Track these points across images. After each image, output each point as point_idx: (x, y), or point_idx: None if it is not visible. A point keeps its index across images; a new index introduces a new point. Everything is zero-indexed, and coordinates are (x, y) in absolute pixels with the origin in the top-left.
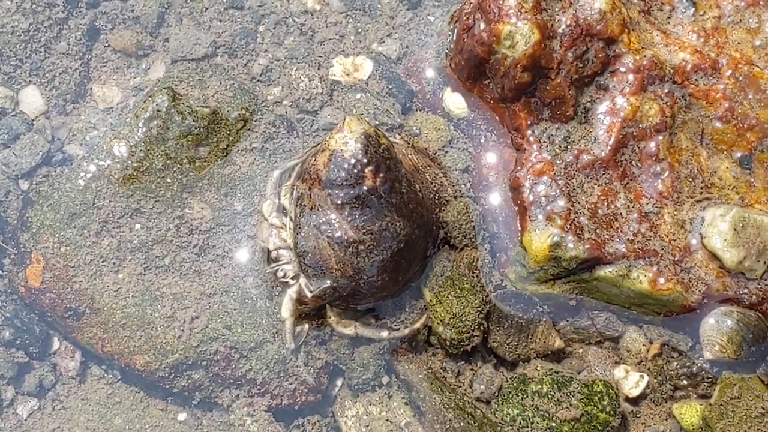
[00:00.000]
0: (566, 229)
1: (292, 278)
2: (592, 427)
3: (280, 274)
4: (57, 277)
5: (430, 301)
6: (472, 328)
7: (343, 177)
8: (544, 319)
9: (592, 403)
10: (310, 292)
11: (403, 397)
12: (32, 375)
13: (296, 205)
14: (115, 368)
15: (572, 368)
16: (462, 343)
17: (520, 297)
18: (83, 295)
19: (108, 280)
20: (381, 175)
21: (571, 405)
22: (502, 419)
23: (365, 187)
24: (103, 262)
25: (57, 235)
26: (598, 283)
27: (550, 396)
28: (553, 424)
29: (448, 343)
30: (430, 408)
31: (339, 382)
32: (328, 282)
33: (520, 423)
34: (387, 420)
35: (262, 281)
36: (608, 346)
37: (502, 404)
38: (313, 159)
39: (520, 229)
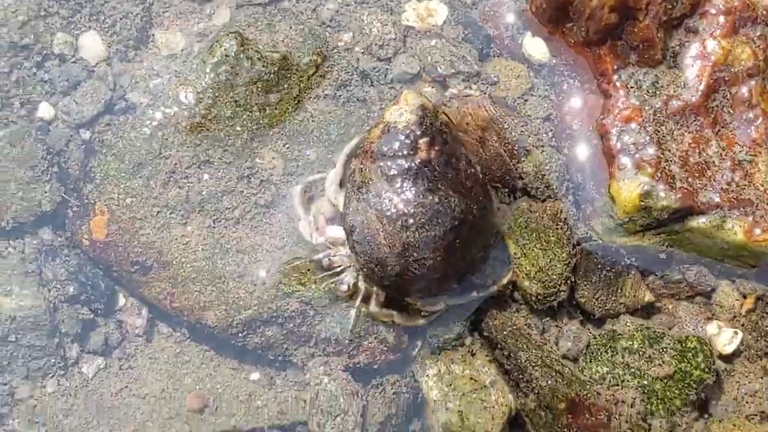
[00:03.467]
0: (657, 178)
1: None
2: (686, 385)
3: (343, 288)
4: (123, 229)
5: (515, 253)
6: (559, 282)
7: (395, 148)
8: (633, 273)
9: (685, 360)
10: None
11: (487, 355)
12: (97, 333)
13: (348, 184)
14: (183, 326)
15: (663, 324)
16: (548, 298)
17: (608, 250)
18: (150, 248)
19: (176, 232)
20: (436, 147)
21: (663, 362)
22: (590, 377)
23: (419, 159)
24: (170, 214)
25: (122, 186)
26: (690, 235)
27: (641, 353)
28: (645, 382)
29: (533, 297)
30: (516, 366)
31: (419, 342)
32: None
33: (610, 381)
34: (471, 378)
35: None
36: (700, 301)
37: (591, 362)
38: (368, 134)
39: (607, 178)
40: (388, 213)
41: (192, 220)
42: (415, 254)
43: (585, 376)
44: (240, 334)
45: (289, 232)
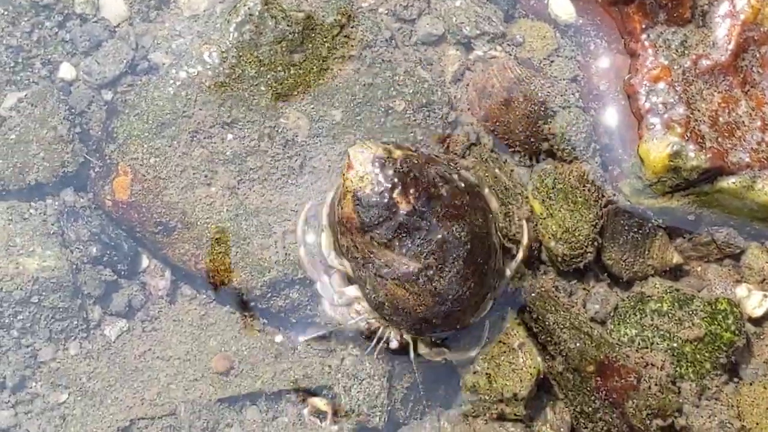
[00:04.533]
0: (686, 138)
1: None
2: (716, 348)
3: (394, 345)
4: (146, 189)
5: (540, 213)
6: (586, 244)
7: (376, 215)
8: (661, 235)
9: (715, 323)
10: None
11: (515, 318)
12: (120, 294)
13: (349, 261)
14: (207, 287)
15: (691, 287)
16: (575, 260)
17: (635, 211)
18: (174, 209)
19: (200, 193)
20: (411, 191)
21: (693, 324)
22: (619, 340)
23: (403, 212)
24: (194, 174)
25: (145, 146)
26: (720, 196)
27: (670, 315)
28: (675, 345)
29: (559, 259)
30: (544, 329)
31: None
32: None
33: (638, 344)
34: (499, 341)
35: None
36: (729, 263)
37: (619, 324)
38: (340, 207)
39: (635, 139)
40: (406, 276)
41: (216, 181)
42: (451, 295)
43: (613, 338)
44: (264, 296)
45: (315, 193)
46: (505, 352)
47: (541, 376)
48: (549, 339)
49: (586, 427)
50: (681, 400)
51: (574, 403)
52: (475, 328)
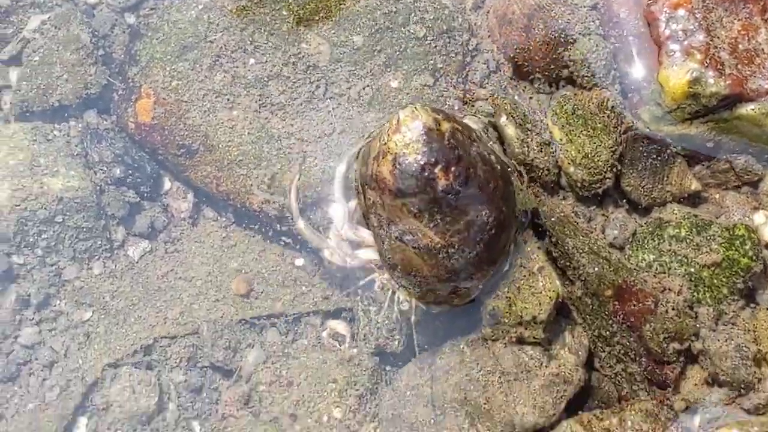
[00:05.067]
0: (706, 64)
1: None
2: (733, 273)
3: (405, 307)
4: (168, 112)
5: (560, 139)
6: (605, 170)
7: (413, 185)
8: (679, 161)
9: (733, 248)
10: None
11: (534, 242)
12: (143, 216)
13: (372, 214)
14: (229, 210)
15: (709, 213)
16: (594, 185)
17: (654, 138)
18: (196, 131)
19: (222, 116)
20: (452, 169)
21: (711, 250)
22: (637, 265)
23: (440, 188)
24: (216, 97)
25: (168, 69)
26: (739, 123)
27: (688, 240)
28: (692, 270)
29: (579, 184)
30: (563, 253)
31: None
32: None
33: (656, 269)
34: (519, 266)
35: (385, 117)
36: (747, 191)
37: (637, 250)
38: (376, 164)
39: (655, 66)
40: (427, 249)
41: (238, 105)
42: (463, 275)
43: (631, 264)
44: (284, 219)
45: (337, 119)
46: (524, 276)
47: (560, 300)
48: (568, 264)
49: (603, 351)
50: (698, 325)
51: (592, 327)
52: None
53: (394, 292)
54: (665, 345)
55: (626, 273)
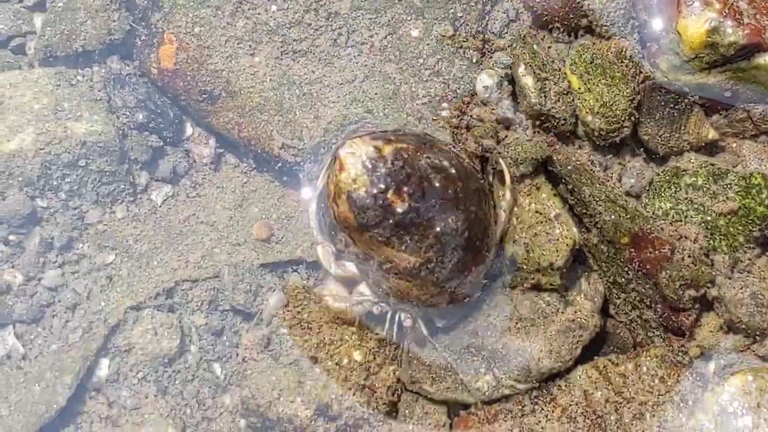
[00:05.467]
0: (724, 14)
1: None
2: (749, 221)
3: (408, 323)
4: (191, 58)
5: (578, 88)
6: (623, 118)
7: (372, 216)
8: (697, 110)
9: (750, 196)
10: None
11: (551, 189)
12: (166, 161)
13: (350, 254)
14: (250, 156)
15: (726, 162)
16: (611, 134)
17: (672, 87)
18: (218, 77)
19: (244, 62)
20: (404, 189)
21: (727, 198)
22: (653, 213)
23: (399, 210)
24: (238, 44)
25: (190, 15)
26: (756, 72)
27: (705, 189)
28: (709, 218)
29: (596, 133)
30: (579, 201)
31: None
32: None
33: (673, 217)
34: (536, 212)
35: (405, 66)
36: (764, 140)
37: (654, 198)
38: (336, 205)
39: (673, 15)
40: (407, 271)
41: (260, 51)
42: (454, 281)
43: (648, 212)
44: (305, 164)
45: (359, 66)
46: (541, 222)
47: (577, 247)
48: (584, 211)
49: (619, 298)
50: (714, 272)
51: (607, 275)
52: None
53: (395, 313)
54: (681, 292)
55: (642, 221)
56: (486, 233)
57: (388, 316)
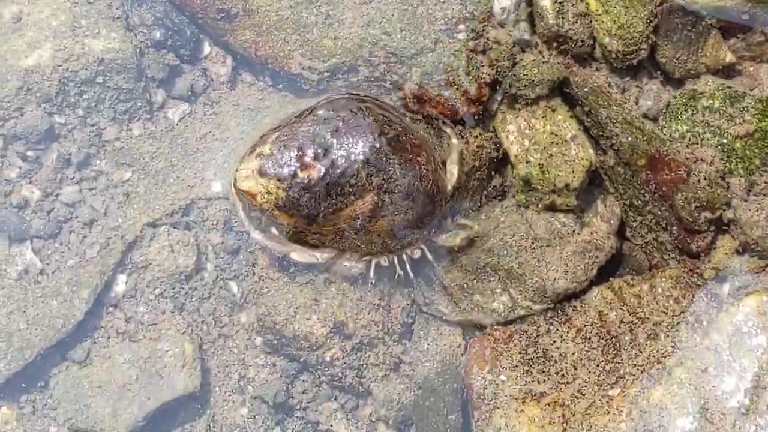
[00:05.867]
0: None
1: None
2: (765, 144)
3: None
4: None
5: (596, 10)
6: (640, 41)
7: (307, 199)
8: (714, 33)
9: (766, 119)
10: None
11: (568, 111)
12: (183, 79)
13: (330, 245)
14: (267, 74)
15: (743, 86)
16: (628, 56)
17: (690, 10)
18: None
19: None
20: (306, 159)
21: (744, 121)
22: (670, 136)
23: (319, 176)
24: None
25: None
26: None
27: (721, 111)
28: (725, 141)
29: (613, 55)
30: (596, 123)
31: (499, 97)
32: None
33: (689, 139)
34: (552, 133)
35: None
36: None
37: (671, 120)
38: (283, 223)
39: None
40: (373, 210)
41: None
42: (414, 182)
43: (665, 134)
44: (322, 82)
45: None
46: (557, 143)
47: (593, 168)
48: (601, 133)
49: (635, 221)
50: (729, 195)
51: (624, 197)
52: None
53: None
54: (696, 214)
55: (659, 143)
56: (406, 131)
57: (395, 260)
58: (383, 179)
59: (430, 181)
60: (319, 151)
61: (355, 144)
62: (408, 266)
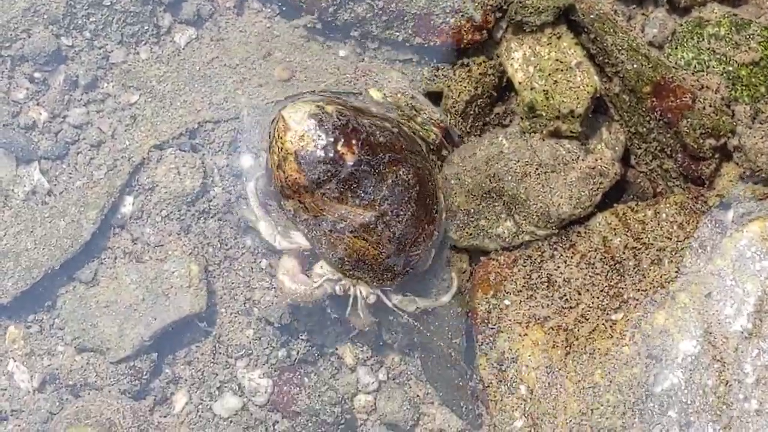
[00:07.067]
0: None
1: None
2: None
3: (372, 299)
4: None
5: None
6: None
7: (323, 170)
8: None
9: None
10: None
11: (573, 38)
12: (190, 3)
13: (299, 223)
14: (274, 2)
15: (749, 15)
16: None
17: None
18: None
19: None
20: (353, 141)
21: (750, 48)
22: (676, 63)
23: (350, 163)
24: None
25: None
26: None
27: (727, 39)
28: (731, 68)
29: None
30: (601, 50)
31: (504, 24)
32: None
33: (695, 67)
34: (557, 60)
35: None
36: None
37: (677, 48)
38: (282, 172)
39: None
40: (364, 226)
41: None
42: (409, 238)
43: (670, 62)
44: (329, 10)
45: None
46: (562, 70)
47: (598, 95)
48: (606, 60)
49: (639, 148)
50: (734, 122)
51: (629, 124)
52: (440, 275)
53: (354, 287)
54: (701, 141)
55: (665, 70)
56: (435, 194)
57: (351, 295)
58: (392, 214)
59: (420, 259)
60: (367, 146)
61: (391, 167)
62: (360, 304)
